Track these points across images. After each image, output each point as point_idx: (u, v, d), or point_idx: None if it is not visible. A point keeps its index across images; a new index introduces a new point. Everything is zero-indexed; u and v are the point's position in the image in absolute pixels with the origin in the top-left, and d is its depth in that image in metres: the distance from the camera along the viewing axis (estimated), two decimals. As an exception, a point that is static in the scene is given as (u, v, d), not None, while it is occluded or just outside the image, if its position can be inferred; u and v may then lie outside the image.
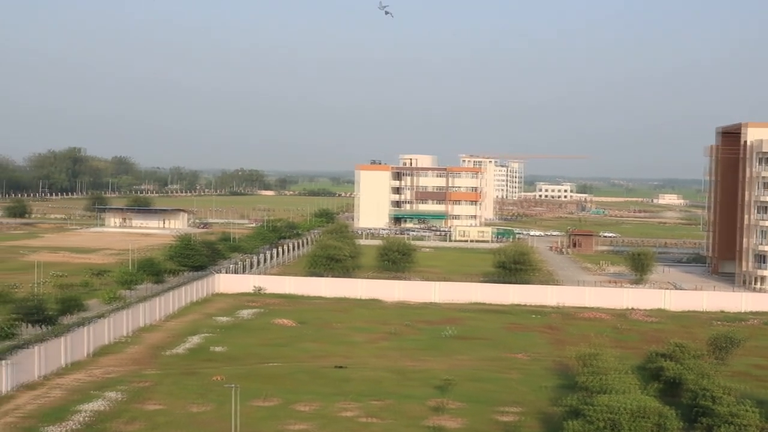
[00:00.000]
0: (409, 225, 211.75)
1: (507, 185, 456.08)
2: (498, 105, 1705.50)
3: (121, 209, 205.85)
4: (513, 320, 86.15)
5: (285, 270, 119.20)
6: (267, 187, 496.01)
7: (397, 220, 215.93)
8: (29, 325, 66.13)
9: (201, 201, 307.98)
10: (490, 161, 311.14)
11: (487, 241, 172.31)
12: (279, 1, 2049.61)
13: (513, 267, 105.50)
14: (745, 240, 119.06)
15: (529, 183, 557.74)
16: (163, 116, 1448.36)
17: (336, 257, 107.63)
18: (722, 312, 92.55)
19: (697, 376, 51.03)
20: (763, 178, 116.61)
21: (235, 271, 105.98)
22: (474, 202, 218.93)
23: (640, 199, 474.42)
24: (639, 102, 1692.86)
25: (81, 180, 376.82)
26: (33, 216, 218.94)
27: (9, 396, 51.39)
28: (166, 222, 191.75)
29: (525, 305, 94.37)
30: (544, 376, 60.90)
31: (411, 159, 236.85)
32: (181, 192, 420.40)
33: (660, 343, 65.56)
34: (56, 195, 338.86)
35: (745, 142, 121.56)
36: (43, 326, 66.40)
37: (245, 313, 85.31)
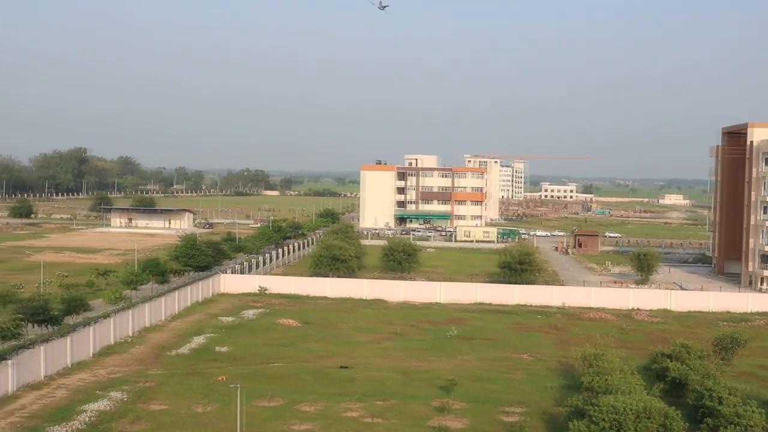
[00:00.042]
0: (413, 225, 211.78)
1: (512, 185, 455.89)
2: (500, 105, 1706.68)
3: (126, 209, 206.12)
4: (517, 320, 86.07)
5: (289, 270, 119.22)
6: (271, 188, 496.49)
7: (401, 220, 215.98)
8: (34, 325, 66.20)
9: (205, 201, 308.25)
10: (495, 161, 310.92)
11: (491, 242, 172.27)
12: (279, 1, 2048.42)
13: (517, 267, 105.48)
14: (750, 240, 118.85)
15: (533, 183, 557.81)
16: (163, 116, 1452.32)
17: (340, 257, 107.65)
18: (727, 312, 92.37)
19: (701, 376, 50.96)
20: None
21: (240, 272, 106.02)
22: (478, 202, 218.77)
23: (644, 200, 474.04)
24: (643, 102, 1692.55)
25: (86, 180, 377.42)
26: (38, 216, 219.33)
27: (14, 396, 51.46)
28: (171, 222, 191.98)
29: (529, 305, 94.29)
30: (548, 376, 60.84)
31: (415, 159, 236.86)
32: (186, 192, 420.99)
33: (665, 343, 65.49)
34: (61, 195, 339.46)
35: (750, 142, 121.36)
36: (47, 326, 66.47)
37: (249, 313, 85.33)
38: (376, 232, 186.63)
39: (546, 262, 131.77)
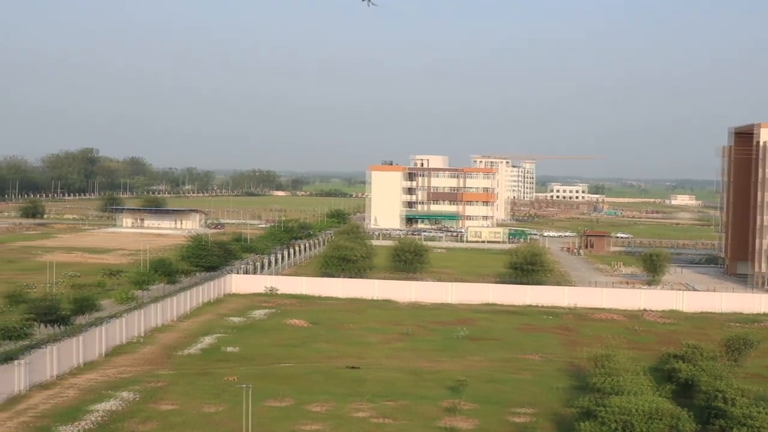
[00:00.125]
0: (422, 225, 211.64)
1: (522, 186, 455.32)
2: (508, 105, 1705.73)
3: (135, 210, 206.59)
4: (526, 321, 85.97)
5: (298, 270, 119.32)
6: (280, 188, 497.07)
7: (410, 220, 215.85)
8: (43, 325, 66.44)
9: (215, 201, 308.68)
10: (504, 162, 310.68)
11: (500, 242, 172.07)
12: (279, 1, 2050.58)
13: (526, 268, 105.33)
14: (758, 241, 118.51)
15: (543, 184, 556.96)
16: (167, 117, 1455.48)
17: (349, 258, 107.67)
18: (738, 313, 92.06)
19: (711, 377, 50.79)
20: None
21: (249, 272, 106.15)
22: (487, 202, 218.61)
23: (653, 200, 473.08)
24: (653, 102, 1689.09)
25: (95, 181, 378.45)
26: (47, 216, 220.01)
27: (23, 396, 51.61)
28: (180, 222, 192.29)
29: (538, 306, 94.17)
30: (557, 377, 60.75)
31: (423, 160, 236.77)
32: (195, 192, 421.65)
33: (674, 344, 65.36)
34: (70, 195, 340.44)
35: (758, 142, 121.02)
36: (57, 326, 66.71)
37: (258, 313, 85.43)
38: (385, 232, 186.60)
39: (556, 262, 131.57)
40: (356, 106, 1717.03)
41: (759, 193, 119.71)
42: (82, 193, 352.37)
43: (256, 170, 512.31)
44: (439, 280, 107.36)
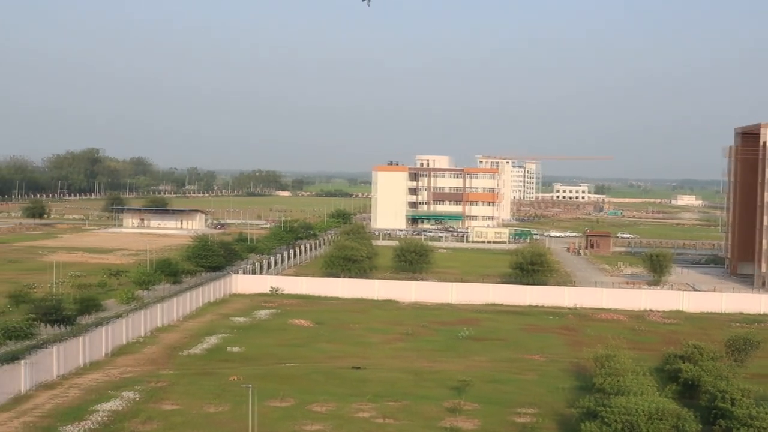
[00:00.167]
0: (425, 226, 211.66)
1: (525, 186, 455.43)
2: (510, 105, 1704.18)
3: (139, 210, 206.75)
4: (529, 321, 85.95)
5: (301, 270, 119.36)
6: (283, 188, 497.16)
7: (413, 220, 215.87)
8: (47, 325, 66.55)
9: (218, 202, 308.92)
10: (507, 162, 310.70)
11: (503, 242, 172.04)
12: (279, 1, 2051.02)
13: (529, 268, 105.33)
14: (764, 241, 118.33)
15: (546, 184, 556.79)
16: (167, 117, 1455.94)
17: (352, 258, 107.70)
18: (740, 314, 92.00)
19: (714, 378, 50.75)
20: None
21: (252, 272, 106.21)
22: (491, 203, 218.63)
23: (657, 200, 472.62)
24: (652, 102, 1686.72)
25: (98, 181, 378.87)
26: (51, 216, 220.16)
27: (28, 395, 51.69)
28: (183, 222, 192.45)
29: (541, 306, 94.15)
30: (560, 377, 60.73)
31: (427, 160, 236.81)
32: (198, 193, 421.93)
33: (677, 344, 65.28)
34: (74, 195, 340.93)
35: (764, 142, 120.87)
36: (61, 326, 66.80)
37: (262, 313, 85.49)
38: (388, 232, 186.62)
39: (558, 262, 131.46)
40: (356, 106, 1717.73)
41: (764, 194, 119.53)
42: (86, 194, 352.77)
43: (259, 170, 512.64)
44: (443, 280, 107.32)
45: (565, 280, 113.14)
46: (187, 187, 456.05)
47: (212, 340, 70.74)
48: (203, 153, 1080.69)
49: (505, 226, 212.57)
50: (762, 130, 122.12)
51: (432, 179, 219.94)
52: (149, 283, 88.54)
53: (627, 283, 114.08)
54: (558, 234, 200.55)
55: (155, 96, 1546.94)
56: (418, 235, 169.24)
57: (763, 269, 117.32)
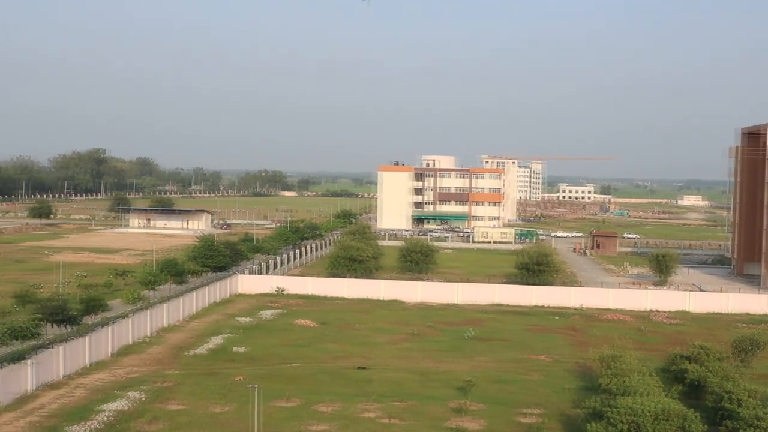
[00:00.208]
0: (430, 226, 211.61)
1: (530, 186, 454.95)
2: (508, 105, 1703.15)
3: (144, 210, 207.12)
4: (534, 322, 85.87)
5: (306, 271, 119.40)
6: (289, 188, 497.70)
7: (418, 221, 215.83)
8: (53, 324, 66.60)
9: (223, 202, 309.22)
10: (512, 162, 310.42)
11: (508, 243, 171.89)
12: (279, 1, 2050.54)
13: (535, 268, 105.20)
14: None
15: (551, 184, 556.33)
16: (163, 116, 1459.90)
17: (357, 258, 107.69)
18: (746, 314, 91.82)
19: (720, 378, 50.64)
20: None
21: (257, 272, 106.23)
22: (496, 203, 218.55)
23: (662, 201, 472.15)
24: (653, 102, 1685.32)
25: (104, 181, 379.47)
26: (56, 217, 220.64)
27: (33, 395, 51.76)
28: (189, 223, 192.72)
29: (547, 307, 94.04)
30: (565, 377, 60.66)
31: (432, 160, 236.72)
32: (204, 193, 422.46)
33: (683, 345, 65.12)
34: (79, 196, 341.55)
35: (766, 143, 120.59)
36: (66, 326, 66.84)
37: (266, 313, 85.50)
38: (393, 232, 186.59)
39: (564, 263, 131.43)
40: (356, 106, 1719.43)
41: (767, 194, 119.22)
42: (91, 194, 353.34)
43: (264, 170, 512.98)
44: (447, 280, 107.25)
45: (571, 281, 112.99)
46: (192, 187, 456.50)
47: (217, 340, 70.78)
48: (203, 153, 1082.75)
49: (510, 226, 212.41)
50: (766, 131, 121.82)
51: (437, 179, 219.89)
52: (155, 284, 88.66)
53: (633, 284, 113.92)
54: (564, 234, 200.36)
55: (155, 96, 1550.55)
56: (423, 235, 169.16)
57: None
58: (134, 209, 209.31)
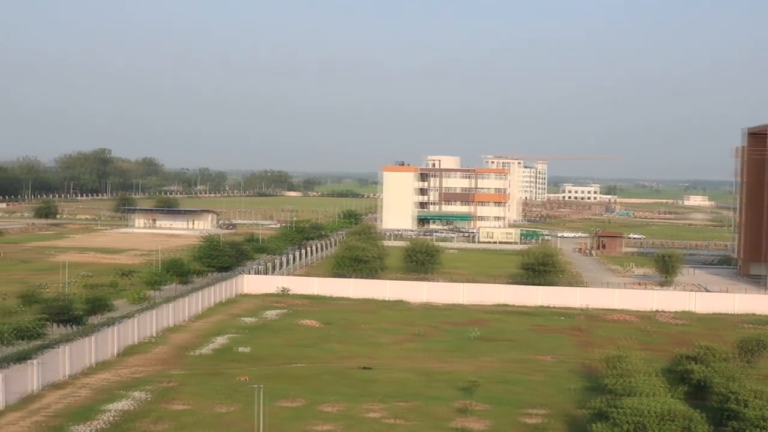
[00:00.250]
0: (434, 226, 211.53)
1: (534, 186, 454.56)
2: (508, 105, 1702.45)
3: (149, 210, 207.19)
4: (539, 322, 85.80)
5: (310, 271, 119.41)
6: (293, 188, 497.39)
7: (422, 221, 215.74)
8: (57, 324, 66.68)
9: (228, 202, 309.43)
10: (516, 162, 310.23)
11: (513, 243, 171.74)
12: (279, 1, 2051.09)
13: (539, 269, 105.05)
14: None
15: (556, 184, 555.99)
16: (163, 116, 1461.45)
17: (362, 258, 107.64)
18: (752, 315, 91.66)
19: (725, 379, 50.53)
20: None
21: (262, 272, 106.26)
22: (500, 203, 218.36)
23: (667, 201, 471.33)
24: (656, 102, 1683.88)
25: (109, 181, 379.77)
26: (61, 217, 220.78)
27: (38, 395, 51.83)
28: (193, 223, 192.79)
29: (551, 307, 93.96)
30: (570, 378, 60.61)
31: (436, 160, 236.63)
32: (208, 193, 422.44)
33: (688, 345, 64.99)
34: (84, 196, 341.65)
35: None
36: (70, 326, 66.94)
37: (271, 313, 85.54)
38: (397, 233, 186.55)
39: (568, 263, 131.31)
40: (356, 106, 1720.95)
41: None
42: (96, 194, 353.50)
43: (269, 171, 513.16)
44: (452, 280, 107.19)
45: (575, 281, 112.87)
46: (197, 187, 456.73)
47: (221, 341, 70.82)
48: (203, 153, 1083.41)
49: (514, 226, 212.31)
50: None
51: (441, 180, 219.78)
52: (159, 284, 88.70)
53: (637, 284, 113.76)
54: (569, 234, 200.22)
55: (155, 96, 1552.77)
56: (428, 235, 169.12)
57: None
58: (139, 209, 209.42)
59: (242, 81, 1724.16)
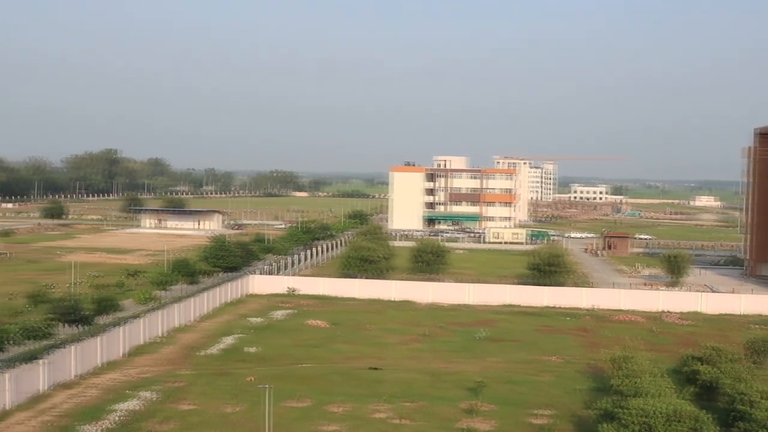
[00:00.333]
0: (442, 226, 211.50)
1: (541, 187, 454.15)
2: (508, 105, 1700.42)
3: (156, 210, 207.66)
4: (546, 322, 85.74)
5: (318, 271, 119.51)
6: (301, 189, 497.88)
7: (430, 221, 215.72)
8: (65, 324, 66.93)
9: (235, 202, 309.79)
10: (524, 163, 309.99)
11: (520, 243, 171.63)
12: (279, 1, 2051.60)
13: (546, 269, 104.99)
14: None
15: (563, 185, 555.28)
16: (163, 116, 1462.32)
17: (369, 259, 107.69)
18: (759, 315, 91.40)
19: (733, 380, 50.42)
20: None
21: (269, 273, 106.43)
22: (508, 203, 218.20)
23: (675, 201, 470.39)
24: (656, 102, 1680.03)
25: (117, 181, 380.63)
26: (69, 217, 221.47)
27: (46, 395, 52.01)
28: (201, 223, 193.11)
29: (558, 307, 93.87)
30: (577, 378, 60.57)
31: (444, 161, 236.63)
32: (216, 193, 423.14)
33: (695, 346, 64.90)
34: (92, 196, 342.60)
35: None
36: (79, 326, 67.19)
37: (278, 314, 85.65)
38: (405, 233, 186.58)
39: (576, 264, 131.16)
40: (356, 106, 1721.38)
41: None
42: (104, 194, 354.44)
43: (277, 171, 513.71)
44: (459, 281, 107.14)
45: (582, 281, 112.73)
46: (205, 187, 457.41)
47: (229, 341, 70.95)
48: (203, 153, 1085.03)
49: (522, 227, 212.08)
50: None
51: (449, 180, 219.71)
52: (167, 284, 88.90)
53: (644, 285, 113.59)
54: (578, 235, 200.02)
55: (155, 96, 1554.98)
56: (435, 235, 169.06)
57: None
58: (147, 210, 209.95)
59: (242, 81, 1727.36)
